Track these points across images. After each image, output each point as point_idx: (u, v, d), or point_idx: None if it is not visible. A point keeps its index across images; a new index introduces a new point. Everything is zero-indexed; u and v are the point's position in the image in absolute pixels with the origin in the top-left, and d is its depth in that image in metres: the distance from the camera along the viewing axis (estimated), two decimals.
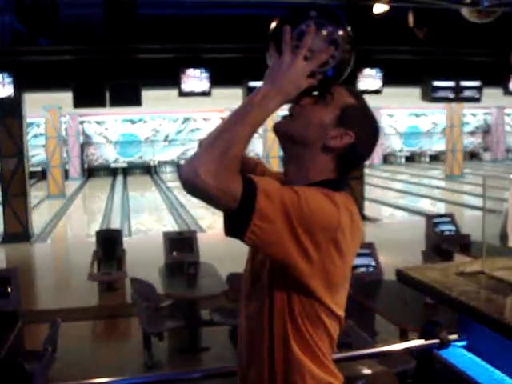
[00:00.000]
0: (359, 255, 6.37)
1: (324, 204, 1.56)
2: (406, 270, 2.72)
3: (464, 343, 2.37)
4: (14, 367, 2.39)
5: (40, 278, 9.93)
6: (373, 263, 6.25)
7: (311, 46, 1.59)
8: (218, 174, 1.44)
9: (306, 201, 1.52)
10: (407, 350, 2.42)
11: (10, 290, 5.48)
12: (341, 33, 1.63)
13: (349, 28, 1.66)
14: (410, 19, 9.05)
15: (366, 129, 1.73)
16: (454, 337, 2.37)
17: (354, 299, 5.74)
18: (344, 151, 1.68)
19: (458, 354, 2.41)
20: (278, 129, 1.73)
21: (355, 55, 1.69)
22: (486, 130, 33.26)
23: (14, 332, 4.88)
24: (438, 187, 22.06)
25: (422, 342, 2.38)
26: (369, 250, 6.40)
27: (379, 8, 8.77)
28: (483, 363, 2.34)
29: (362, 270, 6.26)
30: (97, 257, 8.59)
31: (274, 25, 1.67)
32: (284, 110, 1.75)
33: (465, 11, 8.81)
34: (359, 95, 1.75)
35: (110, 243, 8.80)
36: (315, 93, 1.69)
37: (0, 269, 6.13)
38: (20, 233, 12.40)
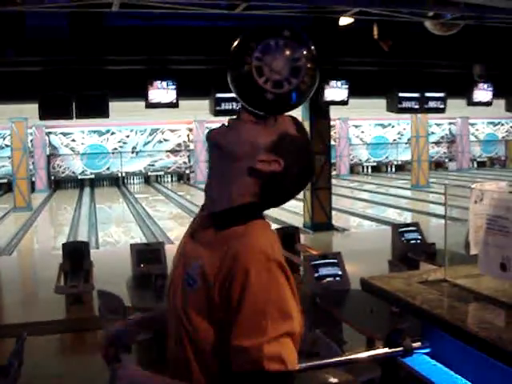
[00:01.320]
0: (326, 265, 6.44)
1: None
2: (369, 279, 2.76)
3: (427, 350, 2.43)
4: None
5: (5, 292, 9.78)
6: (339, 273, 6.31)
7: (272, 64, 1.59)
8: None
9: None
10: (372, 357, 2.46)
11: None
12: (305, 60, 1.63)
13: (315, 52, 1.66)
14: (375, 31, 9.20)
15: (299, 164, 1.69)
16: (417, 344, 2.42)
17: (322, 308, 5.80)
18: (270, 178, 1.65)
19: (423, 362, 2.45)
20: (210, 136, 1.71)
21: (317, 82, 1.69)
22: (451, 140, 33.73)
23: None
24: (404, 197, 22.32)
25: (386, 350, 2.42)
26: (336, 259, 6.47)
27: (344, 20, 8.90)
28: (447, 370, 2.38)
29: (329, 279, 6.31)
30: (63, 269, 8.50)
31: (238, 39, 1.67)
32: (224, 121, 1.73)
33: (428, 24, 8.98)
34: (303, 130, 1.73)
35: (77, 255, 8.72)
36: (261, 113, 1.66)
37: None
38: None
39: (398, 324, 2.74)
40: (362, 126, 32.55)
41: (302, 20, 9.55)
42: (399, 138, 33.20)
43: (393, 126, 32.98)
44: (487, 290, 2.47)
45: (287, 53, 1.61)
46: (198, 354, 1.62)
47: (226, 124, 1.71)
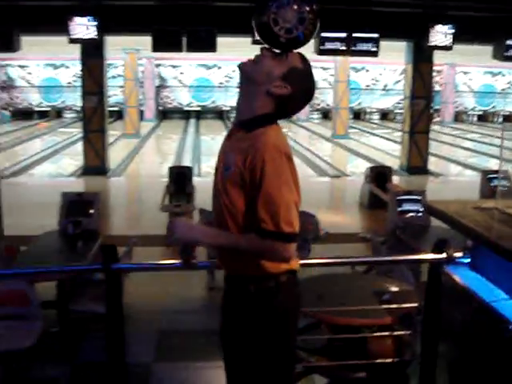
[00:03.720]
0: (410, 201, 6.83)
1: None
2: (431, 202, 3.19)
3: (467, 260, 2.86)
4: (110, 248, 3.00)
5: (115, 208, 10.69)
6: (421, 209, 6.66)
7: (284, 16, 2.23)
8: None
9: None
10: (420, 260, 2.92)
11: (92, 211, 6.21)
12: (309, 10, 2.26)
13: (315, 7, 2.28)
14: None
15: (302, 89, 2.33)
16: (459, 254, 2.87)
17: (401, 240, 6.21)
18: (281, 98, 2.29)
19: (463, 272, 2.88)
20: (241, 66, 2.37)
21: (317, 29, 2.31)
22: None
23: (96, 245, 5.59)
24: (508, 148, 21.80)
25: (432, 256, 2.89)
26: (420, 197, 6.84)
27: None
28: (485, 280, 2.81)
29: (411, 214, 6.69)
30: (168, 191, 9.26)
31: None
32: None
33: None
34: (308, 65, 2.34)
35: (181, 179, 9.45)
36: (277, 50, 2.29)
37: (85, 192, 6.83)
38: (98, 166, 13.26)
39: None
40: (471, 72, 31.53)
41: None
42: (509, 88, 32.04)
43: (503, 75, 31.80)
44: None
45: (294, 7, 2.25)
46: (232, 217, 2.29)
47: (253, 58, 2.33)
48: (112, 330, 3.09)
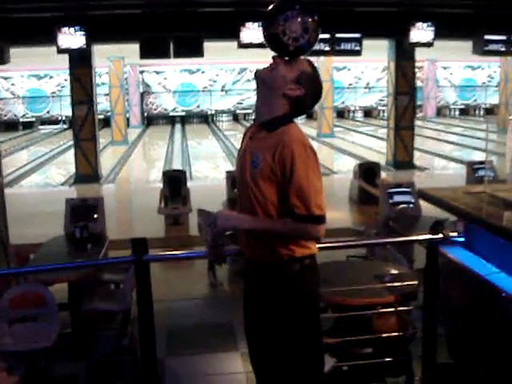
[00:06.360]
0: (401, 193, 7.12)
1: None
2: (425, 189, 3.47)
3: (462, 239, 3.14)
4: (140, 240, 3.24)
5: (111, 214, 10.85)
6: (412, 200, 6.95)
7: (292, 27, 2.53)
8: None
9: None
10: (419, 240, 3.20)
11: (97, 215, 6.44)
12: (311, 21, 2.57)
13: (316, 17, 2.59)
14: None
15: (313, 90, 2.64)
16: (454, 234, 3.15)
17: (394, 230, 6.49)
18: (296, 99, 2.60)
19: (459, 251, 3.16)
20: (258, 74, 2.64)
21: (319, 36, 2.63)
22: None
23: (104, 248, 5.82)
24: (491, 140, 22.13)
25: (429, 236, 3.18)
26: (409, 188, 7.13)
27: None
28: (478, 257, 3.08)
29: (403, 205, 6.98)
30: (164, 194, 9.50)
31: (268, 12, 2.59)
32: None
33: None
34: (315, 68, 2.67)
35: (175, 182, 9.69)
36: (287, 58, 2.59)
37: (89, 197, 7.04)
38: (90, 174, 13.45)
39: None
40: (451, 67, 32.05)
41: None
42: (489, 81, 32.52)
43: (482, 69, 32.33)
44: None
45: (299, 19, 2.55)
46: (262, 208, 2.56)
47: (267, 66, 2.62)
48: (144, 321, 3.29)
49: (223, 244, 2.73)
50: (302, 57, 2.63)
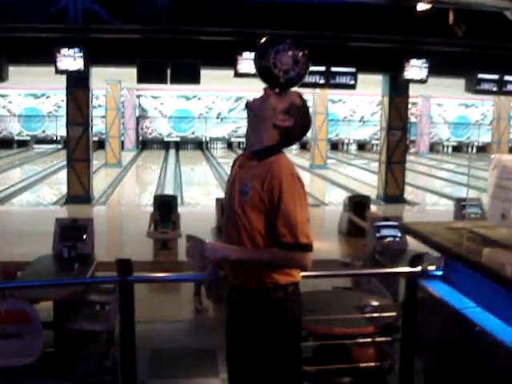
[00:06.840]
0: (388, 227, 7.19)
1: None
2: (408, 223, 3.55)
3: (440, 273, 3.21)
4: (125, 261, 3.28)
5: (100, 237, 10.88)
6: (399, 235, 7.03)
7: (283, 60, 2.62)
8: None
9: None
10: (399, 274, 3.27)
11: (85, 236, 6.48)
12: (302, 54, 2.66)
13: (307, 51, 2.69)
14: (450, 17, 9.68)
15: (302, 121, 2.73)
16: (432, 267, 3.23)
17: (380, 263, 6.55)
18: (285, 130, 2.68)
19: (437, 284, 3.23)
20: (249, 104, 2.75)
21: (309, 69, 2.73)
22: None
23: (91, 269, 5.86)
24: (483, 178, 22.26)
25: (408, 269, 3.26)
26: (397, 223, 7.22)
27: (422, 6, 9.47)
28: (456, 292, 3.15)
29: (389, 239, 7.05)
30: (154, 218, 9.54)
31: (260, 45, 2.71)
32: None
33: (508, 14, 9.34)
34: (304, 101, 2.76)
35: (166, 207, 9.74)
36: (277, 90, 2.69)
37: (80, 218, 7.08)
38: (82, 195, 13.48)
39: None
40: (445, 104, 32.40)
41: None
42: (482, 119, 32.86)
43: (476, 107, 32.68)
44: (495, 236, 3.20)
45: (290, 53, 2.64)
46: (248, 236, 2.62)
47: (258, 97, 2.72)
48: (126, 341, 3.32)
49: (218, 284, 2.83)
50: (292, 89, 2.71)
